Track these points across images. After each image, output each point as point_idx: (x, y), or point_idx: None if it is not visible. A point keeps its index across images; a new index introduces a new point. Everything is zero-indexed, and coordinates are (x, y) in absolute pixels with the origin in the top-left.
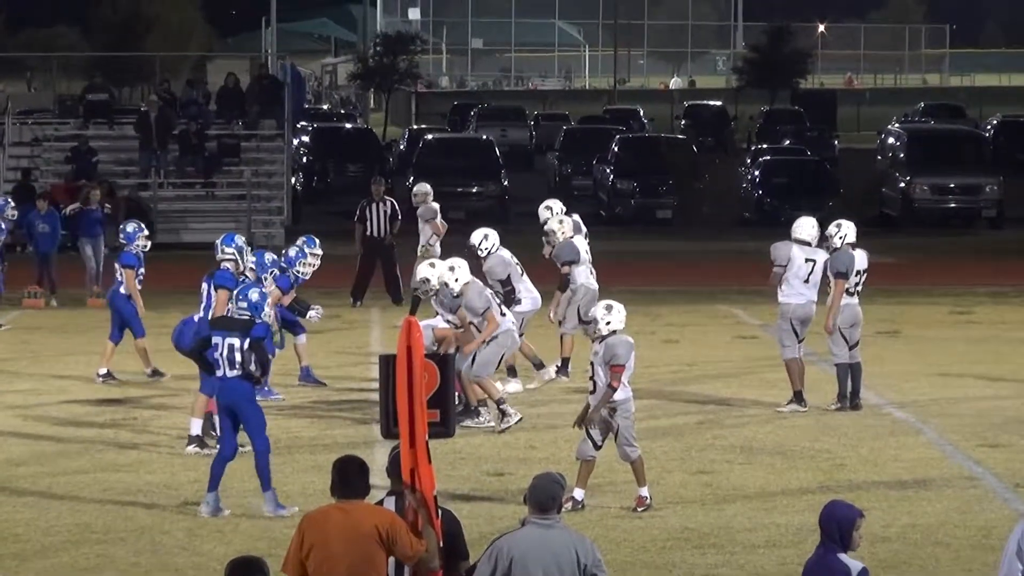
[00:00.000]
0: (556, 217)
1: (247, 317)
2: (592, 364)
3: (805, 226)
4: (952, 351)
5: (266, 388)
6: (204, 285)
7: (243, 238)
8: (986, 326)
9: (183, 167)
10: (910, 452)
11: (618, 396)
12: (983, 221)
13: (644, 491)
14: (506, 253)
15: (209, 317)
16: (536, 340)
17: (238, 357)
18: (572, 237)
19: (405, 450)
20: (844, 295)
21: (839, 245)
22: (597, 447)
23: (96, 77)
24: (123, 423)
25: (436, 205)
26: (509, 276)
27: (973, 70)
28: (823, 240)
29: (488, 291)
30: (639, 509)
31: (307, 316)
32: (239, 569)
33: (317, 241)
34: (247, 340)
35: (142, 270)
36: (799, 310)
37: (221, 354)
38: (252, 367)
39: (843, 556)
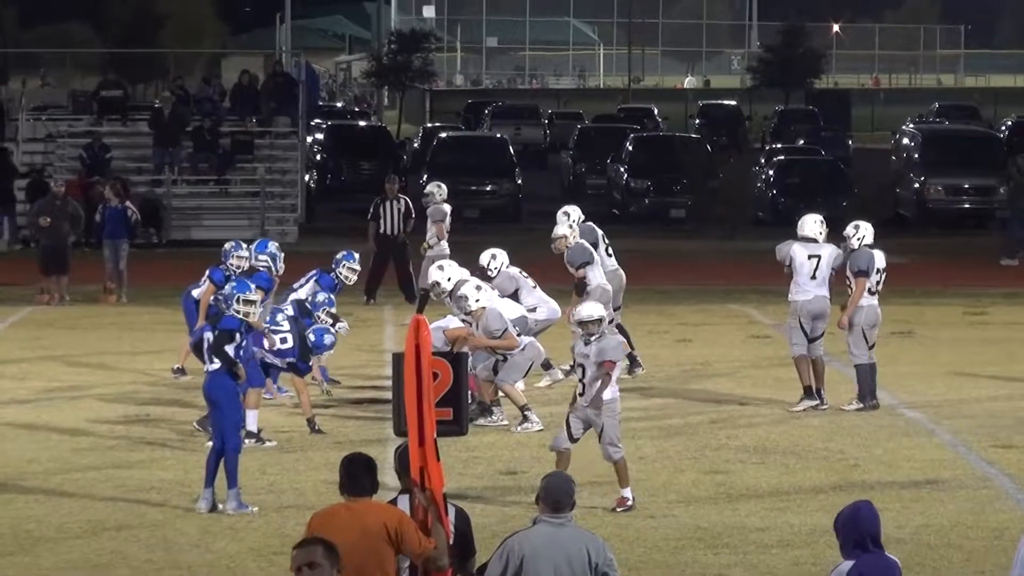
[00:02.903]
0: (565, 223)
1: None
2: (582, 367)
3: (809, 223)
4: (965, 351)
5: (276, 386)
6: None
7: (276, 244)
8: (1000, 327)
9: (197, 164)
10: (923, 453)
11: (605, 396)
12: (997, 222)
13: (627, 492)
14: (514, 269)
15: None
16: (548, 341)
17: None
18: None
19: (414, 448)
20: (865, 294)
21: (857, 246)
22: (573, 439)
23: (110, 73)
24: (135, 420)
25: (447, 207)
26: (517, 291)
27: (988, 71)
28: (839, 240)
29: (505, 314)
30: (619, 509)
31: (336, 328)
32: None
33: (356, 256)
34: (215, 332)
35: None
36: (808, 306)
37: (206, 348)
38: (232, 361)
39: (888, 553)
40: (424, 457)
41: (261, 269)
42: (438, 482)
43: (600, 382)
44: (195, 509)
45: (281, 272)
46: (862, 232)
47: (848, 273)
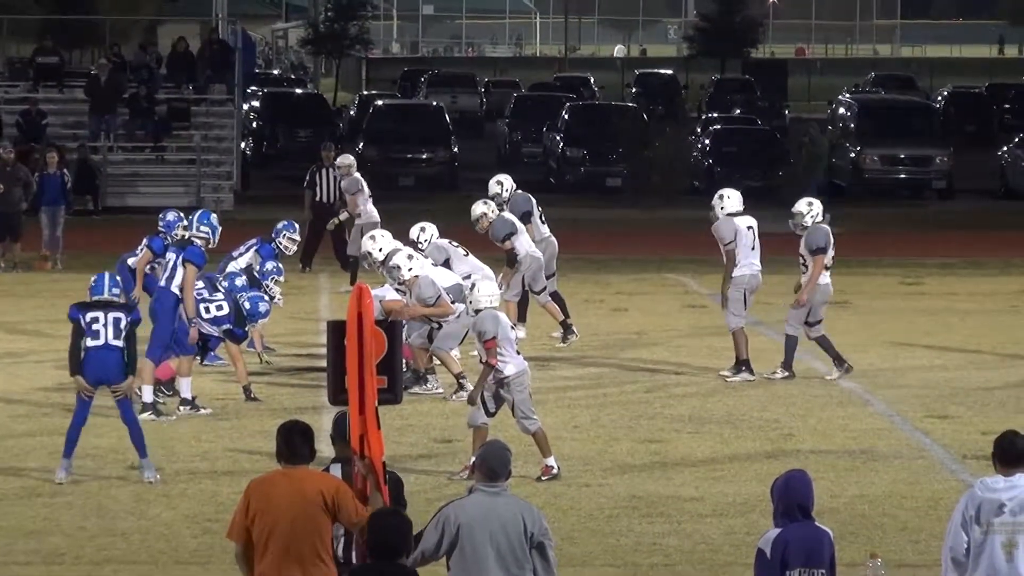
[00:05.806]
0: (482, 204)
1: (121, 300)
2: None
3: (736, 197)
4: (901, 322)
5: (212, 354)
6: (171, 255)
7: (216, 216)
8: (935, 297)
9: (133, 131)
10: (858, 423)
11: (509, 371)
12: (933, 192)
13: (550, 460)
14: (443, 241)
15: (173, 288)
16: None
17: (124, 330)
18: (502, 212)
19: (354, 417)
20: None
21: (809, 224)
22: (490, 414)
23: (46, 40)
24: (70, 387)
25: (359, 176)
26: (448, 260)
27: (924, 41)
28: (788, 217)
29: (438, 281)
30: (544, 478)
31: (273, 300)
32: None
33: (297, 226)
34: (130, 318)
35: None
36: (753, 280)
37: (105, 325)
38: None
39: (819, 524)
40: (364, 425)
41: (197, 241)
42: (378, 450)
43: (483, 372)
44: (56, 480)
45: (214, 245)
46: (816, 210)
47: (803, 251)
